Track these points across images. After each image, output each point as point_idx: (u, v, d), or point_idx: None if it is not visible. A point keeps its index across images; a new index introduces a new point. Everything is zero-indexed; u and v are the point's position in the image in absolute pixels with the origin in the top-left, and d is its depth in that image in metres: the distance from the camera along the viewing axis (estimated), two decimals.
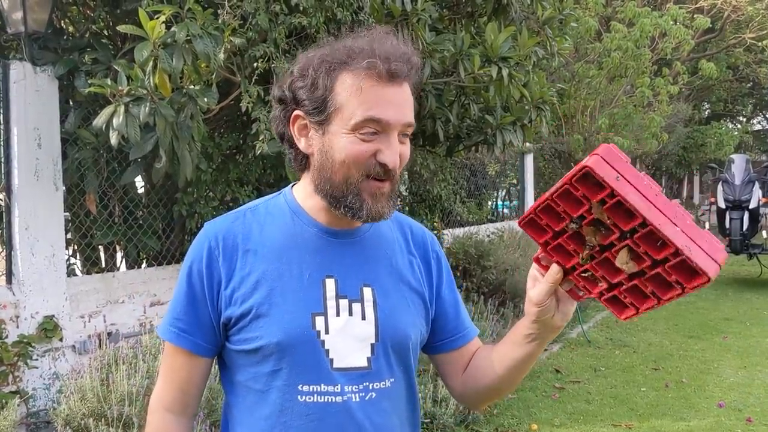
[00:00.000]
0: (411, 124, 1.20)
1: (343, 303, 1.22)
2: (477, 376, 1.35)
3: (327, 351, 1.20)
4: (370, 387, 1.22)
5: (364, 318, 1.23)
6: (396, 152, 1.18)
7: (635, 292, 1.07)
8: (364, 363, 1.22)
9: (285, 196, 1.31)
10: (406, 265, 1.33)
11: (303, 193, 1.28)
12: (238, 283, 1.22)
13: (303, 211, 1.27)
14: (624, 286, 1.07)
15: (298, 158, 1.26)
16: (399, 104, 1.18)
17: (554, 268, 1.14)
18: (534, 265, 1.19)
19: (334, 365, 1.20)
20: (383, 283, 1.27)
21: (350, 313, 1.22)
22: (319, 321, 1.20)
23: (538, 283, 1.17)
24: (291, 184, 1.34)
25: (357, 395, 1.21)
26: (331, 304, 1.22)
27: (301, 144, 1.23)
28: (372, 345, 1.23)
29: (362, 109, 1.15)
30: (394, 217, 1.35)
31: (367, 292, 1.25)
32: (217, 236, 1.24)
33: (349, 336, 1.21)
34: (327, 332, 1.20)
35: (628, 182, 1.01)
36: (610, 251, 1.06)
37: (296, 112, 1.22)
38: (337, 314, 1.21)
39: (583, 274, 1.12)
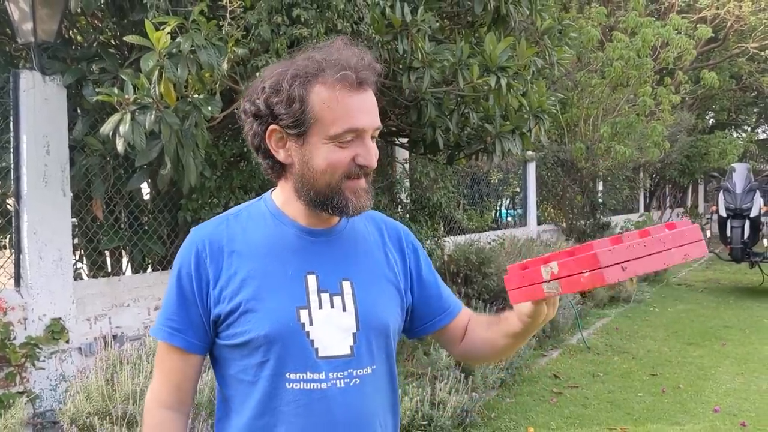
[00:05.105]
0: (380, 127, 1.32)
1: (325, 297, 1.32)
2: (476, 347, 1.50)
3: (312, 341, 1.30)
4: (354, 374, 1.32)
5: (344, 310, 1.33)
6: (372, 153, 1.29)
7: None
8: (347, 351, 1.32)
9: (265, 200, 1.41)
10: (382, 258, 1.43)
11: (281, 197, 1.38)
12: (225, 282, 1.31)
13: (282, 214, 1.37)
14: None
15: (275, 168, 1.35)
16: (369, 110, 1.29)
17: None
18: None
19: (319, 354, 1.30)
20: (361, 276, 1.38)
21: (332, 306, 1.32)
22: (304, 314, 1.30)
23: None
24: (270, 190, 1.43)
25: (341, 381, 1.30)
26: (313, 297, 1.32)
27: (280, 155, 1.32)
28: (354, 334, 1.33)
29: (341, 121, 1.25)
30: (368, 215, 1.46)
31: (346, 285, 1.35)
32: (204, 240, 1.34)
33: (332, 326, 1.31)
34: (311, 324, 1.30)
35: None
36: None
37: (272, 126, 1.30)
38: (320, 307, 1.31)
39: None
